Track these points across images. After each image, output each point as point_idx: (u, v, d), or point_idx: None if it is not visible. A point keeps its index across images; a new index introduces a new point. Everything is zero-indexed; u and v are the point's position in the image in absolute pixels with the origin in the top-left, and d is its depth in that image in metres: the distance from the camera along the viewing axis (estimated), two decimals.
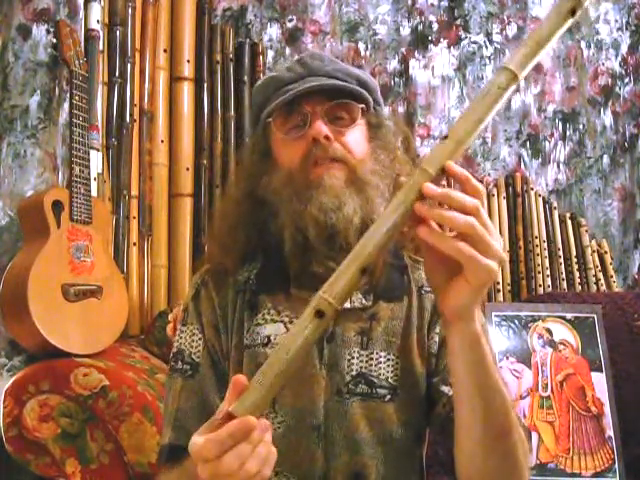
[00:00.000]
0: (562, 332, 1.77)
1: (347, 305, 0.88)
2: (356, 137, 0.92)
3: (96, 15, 1.86)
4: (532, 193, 2.22)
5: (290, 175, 0.89)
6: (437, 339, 0.92)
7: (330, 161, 0.88)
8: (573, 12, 0.63)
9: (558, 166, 2.35)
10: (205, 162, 2.01)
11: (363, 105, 0.93)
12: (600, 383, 1.70)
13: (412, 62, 2.26)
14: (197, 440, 0.62)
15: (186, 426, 0.90)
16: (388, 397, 0.89)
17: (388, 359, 0.90)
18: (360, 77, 0.95)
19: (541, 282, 2.14)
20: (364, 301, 0.92)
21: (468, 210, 0.63)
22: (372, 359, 0.90)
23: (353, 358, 0.90)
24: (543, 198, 2.24)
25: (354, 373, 0.89)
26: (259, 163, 0.95)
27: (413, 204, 0.62)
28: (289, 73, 0.94)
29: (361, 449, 0.87)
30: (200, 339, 0.95)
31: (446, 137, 0.63)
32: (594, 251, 2.23)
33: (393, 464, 0.89)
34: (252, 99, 1.01)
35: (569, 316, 1.78)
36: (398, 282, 0.96)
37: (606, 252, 2.26)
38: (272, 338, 0.91)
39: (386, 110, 0.97)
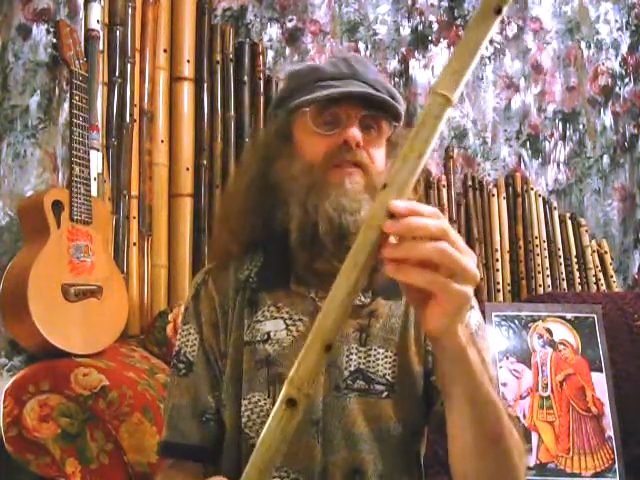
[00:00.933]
0: (562, 332, 1.77)
1: None
2: (381, 151, 0.93)
3: (96, 15, 1.86)
4: (532, 193, 2.23)
5: (311, 167, 0.89)
6: None
7: (353, 165, 0.89)
8: (499, 10, 0.58)
9: (558, 166, 2.36)
10: (205, 162, 2.01)
11: (396, 123, 0.94)
12: (600, 383, 1.70)
13: (412, 62, 2.26)
14: None
15: (178, 424, 0.93)
16: (385, 393, 0.90)
17: (386, 356, 0.91)
18: (394, 94, 0.96)
19: (541, 282, 2.14)
20: (363, 298, 0.92)
21: (435, 235, 0.60)
22: (370, 355, 0.91)
23: (352, 354, 0.90)
24: (543, 198, 2.24)
25: (352, 369, 0.90)
26: (277, 146, 0.95)
27: (369, 264, 0.58)
28: (333, 68, 0.94)
29: (359, 444, 0.88)
30: (196, 339, 0.97)
31: (385, 186, 0.59)
32: (594, 251, 2.24)
33: (390, 460, 0.89)
34: (285, 81, 1.00)
35: (569, 316, 1.78)
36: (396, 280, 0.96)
37: (606, 252, 2.26)
38: (272, 334, 0.92)
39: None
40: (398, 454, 0.90)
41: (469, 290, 0.63)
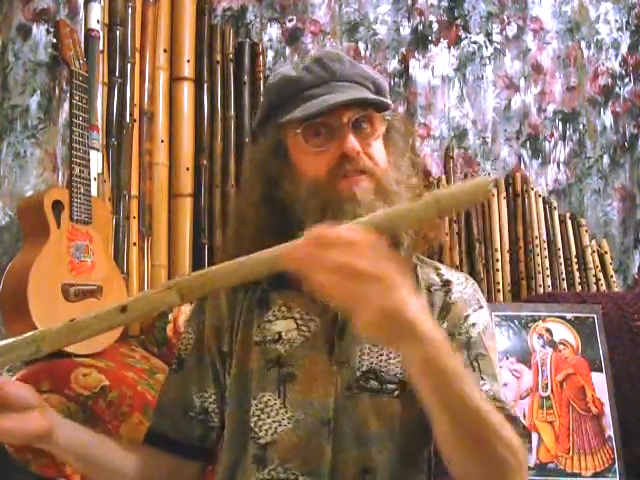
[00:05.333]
0: (562, 332, 1.77)
1: None
2: (379, 147, 0.93)
3: (96, 15, 1.86)
4: (532, 193, 2.22)
5: (317, 186, 0.89)
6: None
7: (358, 173, 0.89)
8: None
9: (558, 166, 2.36)
10: (205, 162, 2.01)
11: (388, 117, 0.94)
12: (600, 383, 1.70)
13: (412, 62, 2.26)
14: None
15: (166, 416, 0.96)
16: (397, 392, 0.90)
17: (397, 355, 0.91)
18: (375, 80, 0.96)
19: (541, 282, 2.14)
20: None
21: (331, 270, 0.62)
22: (382, 355, 0.91)
23: (364, 354, 0.91)
24: (543, 198, 2.24)
25: (365, 369, 0.90)
26: (275, 165, 0.94)
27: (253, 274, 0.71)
28: (309, 75, 0.92)
29: (369, 444, 0.88)
30: (192, 338, 0.98)
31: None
32: (594, 251, 2.23)
33: (400, 459, 0.89)
34: (265, 96, 1.00)
35: (569, 316, 1.78)
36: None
37: (606, 252, 2.26)
38: (283, 334, 0.92)
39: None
40: (409, 453, 0.90)
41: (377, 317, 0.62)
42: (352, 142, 0.88)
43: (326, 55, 0.95)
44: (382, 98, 0.93)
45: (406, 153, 0.98)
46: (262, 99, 1.01)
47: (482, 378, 0.88)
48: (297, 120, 0.90)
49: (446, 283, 0.97)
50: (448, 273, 1.00)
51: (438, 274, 0.99)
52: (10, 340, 0.72)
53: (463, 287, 0.98)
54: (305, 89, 0.92)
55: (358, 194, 0.87)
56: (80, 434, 0.90)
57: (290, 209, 0.92)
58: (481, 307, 0.97)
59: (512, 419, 0.83)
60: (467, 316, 0.94)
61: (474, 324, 0.93)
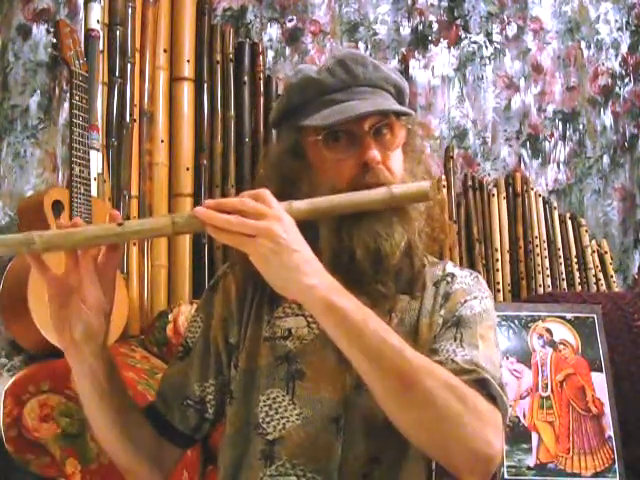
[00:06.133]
0: (562, 332, 1.77)
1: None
2: (398, 157, 0.93)
3: (96, 15, 1.86)
4: (532, 193, 2.22)
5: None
6: (440, 321, 0.92)
7: (377, 186, 0.88)
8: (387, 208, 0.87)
9: (558, 166, 2.36)
10: (205, 162, 2.01)
11: (409, 126, 0.94)
12: (600, 383, 1.70)
13: (412, 62, 2.26)
14: None
15: (165, 400, 0.97)
16: None
17: None
18: (397, 83, 0.96)
19: (541, 282, 2.14)
20: (383, 289, 0.92)
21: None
22: None
23: None
24: (543, 198, 2.24)
25: None
26: (292, 166, 0.94)
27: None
28: (331, 78, 0.92)
29: (377, 435, 0.88)
30: (200, 327, 0.98)
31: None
32: (594, 251, 2.24)
33: (406, 449, 0.89)
34: (285, 94, 0.99)
35: (569, 316, 1.78)
36: (416, 279, 0.96)
37: (606, 252, 2.26)
38: (293, 331, 0.92)
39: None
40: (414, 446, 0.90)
41: (262, 241, 0.73)
42: (374, 152, 0.88)
43: (349, 55, 0.94)
44: (404, 108, 0.93)
45: (422, 157, 0.99)
46: (282, 96, 1.00)
47: (461, 346, 0.86)
48: (319, 126, 0.90)
49: (450, 275, 0.97)
50: (454, 269, 0.99)
51: (443, 269, 0.99)
52: (6, 235, 0.80)
53: (466, 279, 0.98)
54: (327, 93, 0.91)
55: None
56: (111, 358, 0.90)
57: None
58: (483, 297, 0.95)
59: (482, 382, 0.81)
60: (465, 301, 0.93)
61: (471, 307, 0.92)
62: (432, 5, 2.29)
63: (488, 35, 2.33)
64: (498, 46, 2.34)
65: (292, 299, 0.83)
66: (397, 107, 0.92)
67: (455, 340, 0.87)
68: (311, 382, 0.89)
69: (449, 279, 0.97)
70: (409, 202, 0.89)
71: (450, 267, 1.00)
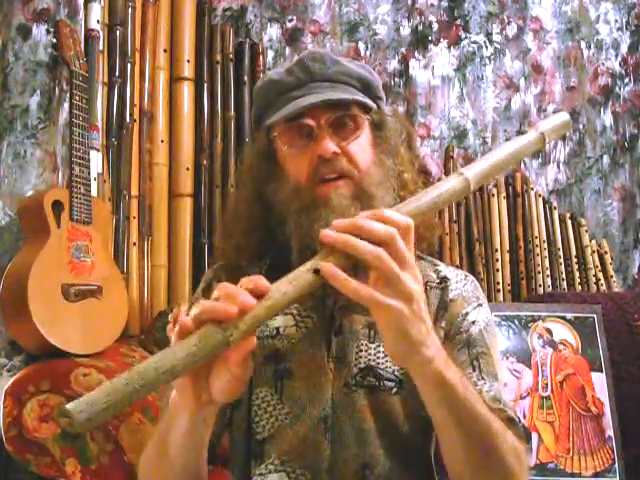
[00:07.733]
0: (562, 332, 1.77)
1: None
2: (361, 145, 0.92)
3: (96, 15, 1.86)
4: (532, 193, 2.22)
5: (297, 190, 0.90)
6: (442, 334, 0.92)
7: (337, 177, 0.89)
8: (539, 151, 0.69)
9: (558, 166, 2.35)
10: (205, 162, 2.01)
11: (368, 116, 0.93)
12: (600, 383, 1.70)
13: (412, 62, 2.26)
14: None
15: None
16: (395, 390, 0.90)
17: None
18: (362, 76, 0.95)
19: (541, 282, 2.14)
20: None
21: (380, 239, 0.61)
22: (379, 352, 0.91)
23: (361, 351, 0.91)
24: (543, 198, 2.24)
25: (362, 366, 0.90)
26: (264, 167, 0.96)
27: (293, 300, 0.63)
28: (290, 77, 0.93)
29: (368, 440, 0.88)
30: None
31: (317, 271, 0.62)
32: (594, 251, 2.23)
33: (399, 456, 0.89)
34: (253, 100, 1.01)
35: (569, 316, 1.78)
36: None
37: (606, 252, 2.25)
38: (281, 330, 0.93)
39: (388, 107, 0.97)
40: (407, 451, 0.90)
41: (401, 307, 0.63)
42: (326, 144, 0.88)
43: (308, 56, 0.95)
44: (359, 98, 0.92)
45: (399, 149, 0.98)
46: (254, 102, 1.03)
47: (482, 377, 0.88)
48: (278, 123, 0.91)
49: (443, 280, 0.97)
50: (446, 270, 0.99)
51: (436, 271, 0.98)
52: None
53: (462, 284, 0.97)
54: (286, 91, 0.92)
55: (334, 199, 0.87)
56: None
57: (275, 208, 0.94)
58: (480, 304, 0.96)
59: (511, 421, 0.83)
60: (466, 314, 0.93)
61: (474, 321, 0.93)
62: (432, 5, 2.29)
63: (488, 35, 2.33)
64: (498, 46, 2.34)
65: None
66: (345, 96, 0.90)
67: (474, 370, 0.88)
68: (299, 381, 0.90)
69: (443, 286, 0.96)
70: (556, 136, 0.85)
71: (442, 268, 1.00)
